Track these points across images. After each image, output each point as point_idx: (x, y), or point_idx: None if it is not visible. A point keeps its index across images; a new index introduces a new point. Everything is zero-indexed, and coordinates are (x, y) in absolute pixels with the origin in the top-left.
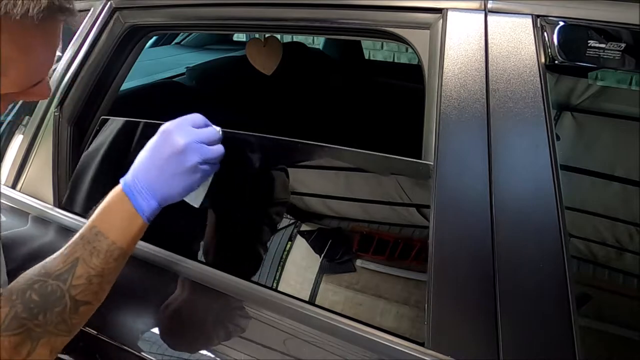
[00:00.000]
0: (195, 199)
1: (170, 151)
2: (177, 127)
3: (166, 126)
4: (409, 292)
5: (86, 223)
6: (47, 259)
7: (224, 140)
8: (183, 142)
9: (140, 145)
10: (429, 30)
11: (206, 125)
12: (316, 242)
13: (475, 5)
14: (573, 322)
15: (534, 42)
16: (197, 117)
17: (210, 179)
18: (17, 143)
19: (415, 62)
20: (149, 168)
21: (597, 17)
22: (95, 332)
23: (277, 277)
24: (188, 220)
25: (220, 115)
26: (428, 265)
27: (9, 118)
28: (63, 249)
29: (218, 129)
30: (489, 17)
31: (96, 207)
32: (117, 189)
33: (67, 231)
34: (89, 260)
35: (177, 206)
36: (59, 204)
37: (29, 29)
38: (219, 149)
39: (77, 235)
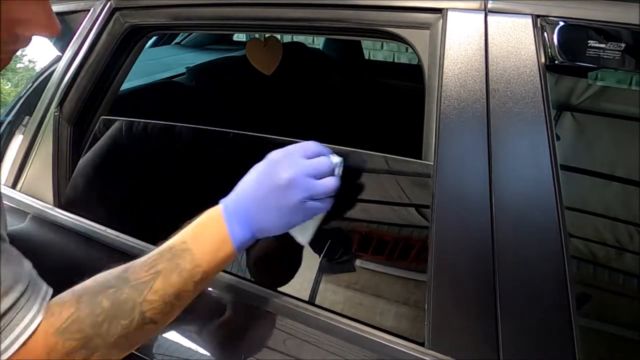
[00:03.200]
0: (302, 234)
1: (273, 184)
2: (285, 157)
3: (274, 155)
4: (409, 292)
5: (178, 234)
6: (132, 263)
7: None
8: (287, 176)
9: (144, 147)
10: (429, 30)
11: (319, 155)
12: (316, 242)
13: (475, 5)
14: (573, 322)
15: (534, 42)
16: (309, 146)
17: (322, 214)
18: (17, 143)
19: (415, 62)
20: (251, 197)
21: (597, 17)
22: None
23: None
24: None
25: (220, 115)
26: (428, 265)
27: (9, 118)
28: (149, 255)
29: (337, 159)
30: (489, 17)
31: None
32: (215, 210)
33: (67, 231)
34: (170, 276)
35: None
36: (59, 204)
37: None
38: (330, 183)
39: (165, 244)
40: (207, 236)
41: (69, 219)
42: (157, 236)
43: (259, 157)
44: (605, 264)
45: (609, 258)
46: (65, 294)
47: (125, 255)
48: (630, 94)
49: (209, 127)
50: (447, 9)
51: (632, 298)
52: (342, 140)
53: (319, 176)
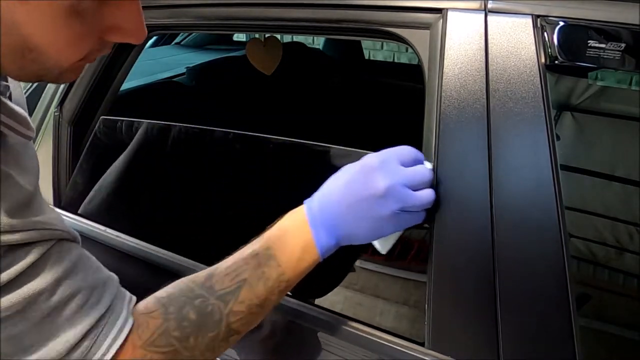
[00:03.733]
0: (382, 244)
1: (367, 193)
2: (382, 164)
3: (370, 160)
4: (409, 292)
5: (261, 238)
6: (215, 268)
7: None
8: (384, 186)
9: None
10: (429, 30)
11: (416, 162)
12: None
13: (475, 5)
14: (573, 322)
15: (534, 42)
16: (405, 152)
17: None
18: None
19: (415, 62)
20: (339, 202)
21: (597, 17)
22: None
23: None
24: (188, 220)
25: (220, 115)
26: (428, 265)
27: None
28: (232, 261)
29: (430, 165)
30: (489, 17)
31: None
32: (300, 213)
33: None
34: (256, 285)
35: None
36: (59, 204)
37: None
38: (427, 196)
39: (249, 250)
40: (292, 242)
41: (69, 219)
42: (158, 236)
43: (259, 157)
44: (605, 264)
45: (609, 258)
46: (150, 303)
47: (126, 256)
48: (630, 94)
49: (209, 128)
50: (447, 9)
51: (632, 298)
52: (342, 140)
53: (416, 187)
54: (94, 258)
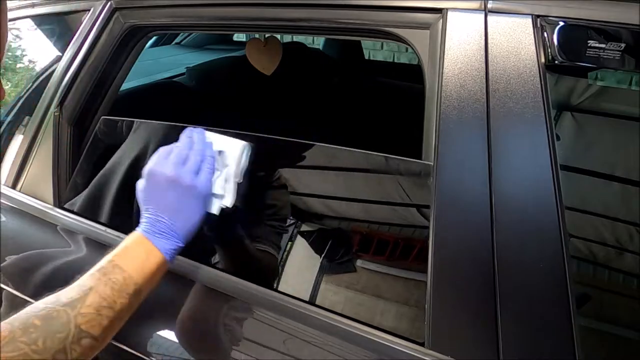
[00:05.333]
0: (222, 203)
1: (160, 191)
2: (157, 166)
3: (149, 168)
4: (409, 292)
5: (105, 257)
6: (65, 288)
7: None
8: (163, 177)
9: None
10: (429, 30)
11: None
12: (316, 242)
13: (475, 5)
14: (573, 322)
15: (534, 42)
16: (166, 148)
17: (227, 182)
18: (17, 143)
19: (415, 62)
20: (157, 210)
21: (597, 17)
22: None
23: (277, 277)
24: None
25: (220, 115)
26: (428, 265)
27: (9, 118)
28: (78, 281)
29: (192, 137)
30: (489, 17)
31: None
32: (135, 231)
33: (67, 231)
34: (102, 289)
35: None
36: (59, 204)
37: None
38: (193, 161)
39: (94, 268)
40: (134, 251)
41: (69, 219)
42: None
43: (259, 157)
44: (605, 264)
45: (609, 258)
46: None
47: None
48: (630, 94)
49: (208, 128)
50: (447, 9)
51: (632, 298)
52: (342, 140)
53: (189, 160)
54: None
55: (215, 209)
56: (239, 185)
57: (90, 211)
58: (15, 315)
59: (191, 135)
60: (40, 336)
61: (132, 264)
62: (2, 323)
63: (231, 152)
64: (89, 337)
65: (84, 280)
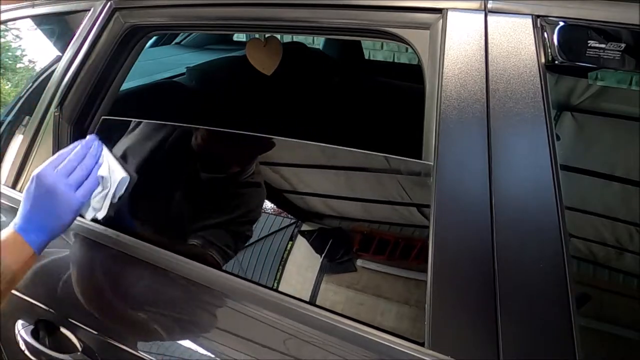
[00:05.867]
0: (95, 211)
1: (42, 195)
2: (45, 170)
3: (36, 171)
4: (409, 292)
5: None
6: None
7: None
8: (49, 185)
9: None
10: (429, 30)
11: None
12: (317, 242)
13: (475, 5)
14: (573, 322)
15: (534, 42)
16: (61, 154)
17: (105, 200)
18: (17, 143)
19: (415, 62)
20: (30, 210)
21: (597, 17)
22: (95, 332)
23: (277, 277)
24: (185, 220)
25: (220, 115)
26: (428, 265)
27: (9, 118)
28: None
29: (89, 138)
30: (489, 17)
31: None
32: (8, 229)
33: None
34: None
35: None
36: None
37: None
38: (78, 175)
39: None
40: (9, 246)
41: None
42: (157, 236)
43: (258, 157)
44: (605, 264)
45: (609, 258)
46: None
47: (125, 256)
48: (630, 94)
49: (209, 128)
50: (447, 9)
51: (632, 298)
52: (342, 140)
53: (71, 172)
54: None
55: (89, 217)
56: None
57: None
58: None
59: (88, 148)
60: None
61: (9, 256)
62: None
63: (114, 179)
64: None
65: None
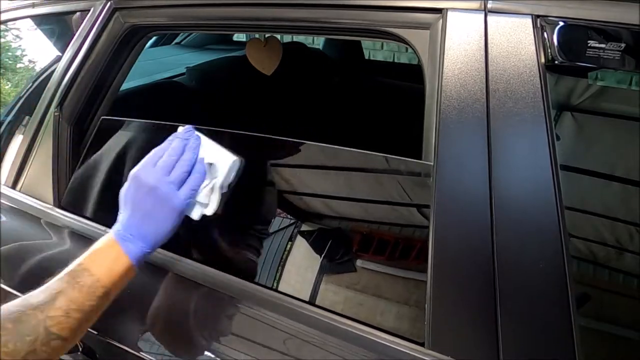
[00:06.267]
0: (201, 210)
1: (145, 201)
2: (142, 173)
3: (133, 173)
4: (409, 292)
5: (74, 261)
6: (30, 293)
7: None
8: (149, 188)
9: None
10: (429, 30)
11: (176, 145)
12: (316, 242)
13: (475, 5)
14: (573, 322)
15: (534, 42)
16: (159, 150)
17: (213, 192)
18: (17, 143)
19: (415, 62)
20: (133, 215)
21: (597, 17)
22: (95, 332)
23: (277, 277)
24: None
25: (220, 116)
26: (428, 265)
27: (9, 118)
28: (48, 284)
29: (182, 129)
30: (489, 17)
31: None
32: (107, 235)
33: (67, 231)
34: (71, 292)
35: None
36: (59, 204)
37: None
38: (178, 172)
39: (63, 271)
40: (103, 255)
41: (69, 219)
42: None
43: (259, 157)
44: (605, 264)
45: (609, 258)
46: None
47: None
48: (630, 94)
49: (209, 128)
50: (447, 9)
51: (632, 298)
52: (342, 140)
53: (171, 169)
54: None
55: (196, 216)
56: (224, 194)
57: (95, 212)
58: None
59: (186, 140)
60: (12, 339)
61: (100, 267)
62: None
63: (221, 165)
64: (58, 338)
65: (53, 284)
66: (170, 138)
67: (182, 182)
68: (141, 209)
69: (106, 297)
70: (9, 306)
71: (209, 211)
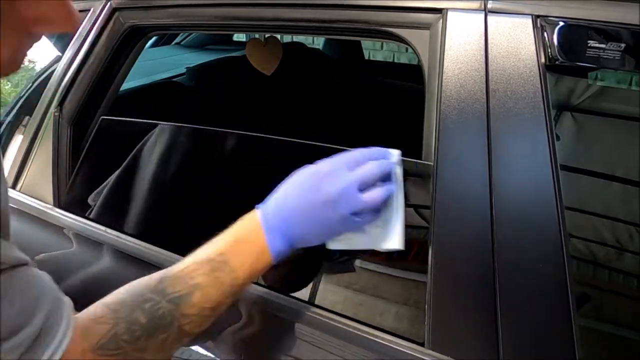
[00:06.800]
0: (335, 244)
1: (320, 199)
2: (332, 170)
3: (321, 166)
4: (409, 292)
5: (214, 244)
6: (167, 271)
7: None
8: (334, 191)
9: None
10: (429, 30)
11: (371, 159)
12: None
13: (475, 5)
14: (573, 322)
15: (534, 42)
16: (355, 157)
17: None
18: (17, 143)
19: (415, 62)
20: (293, 208)
21: (597, 17)
22: None
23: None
24: (187, 220)
25: (220, 116)
26: (428, 265)
27: (9, 118)
28: (185, 265)
29: (395, 156)
30: (489, 17)
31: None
32: (254, 219)
33: (67, 231)
34: (208, 290)
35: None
36: (58, 204)
37: None
38: (375, 197)
39: (203, 255)
40: (246, 248)
41: (69, 219)
42: (158, 236)
43: (258, 157)
44: (605, 264)
45: (609, 258)
46: (99, 309)
47: (126, 256)
48: (630, 94)
49: (209, 128)
50: (447, 9)
51: (632, 298)
52: (342, 140)
53: (367, 184)
54: (32, 270)
55: (336, 246)
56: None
57: (111, 217)
58: (118, 298)
59: (390, 168)
60: (143, 335)
61: (242, 263)
62: (102, 304)
63: (400, 202)
64: (187, 336)
65: (192, 270)
66: (373, 154)
67: (365, 189)
68: (305, 207)
69: (238, 294)
70: (143, 287)
71: (336, 246)
